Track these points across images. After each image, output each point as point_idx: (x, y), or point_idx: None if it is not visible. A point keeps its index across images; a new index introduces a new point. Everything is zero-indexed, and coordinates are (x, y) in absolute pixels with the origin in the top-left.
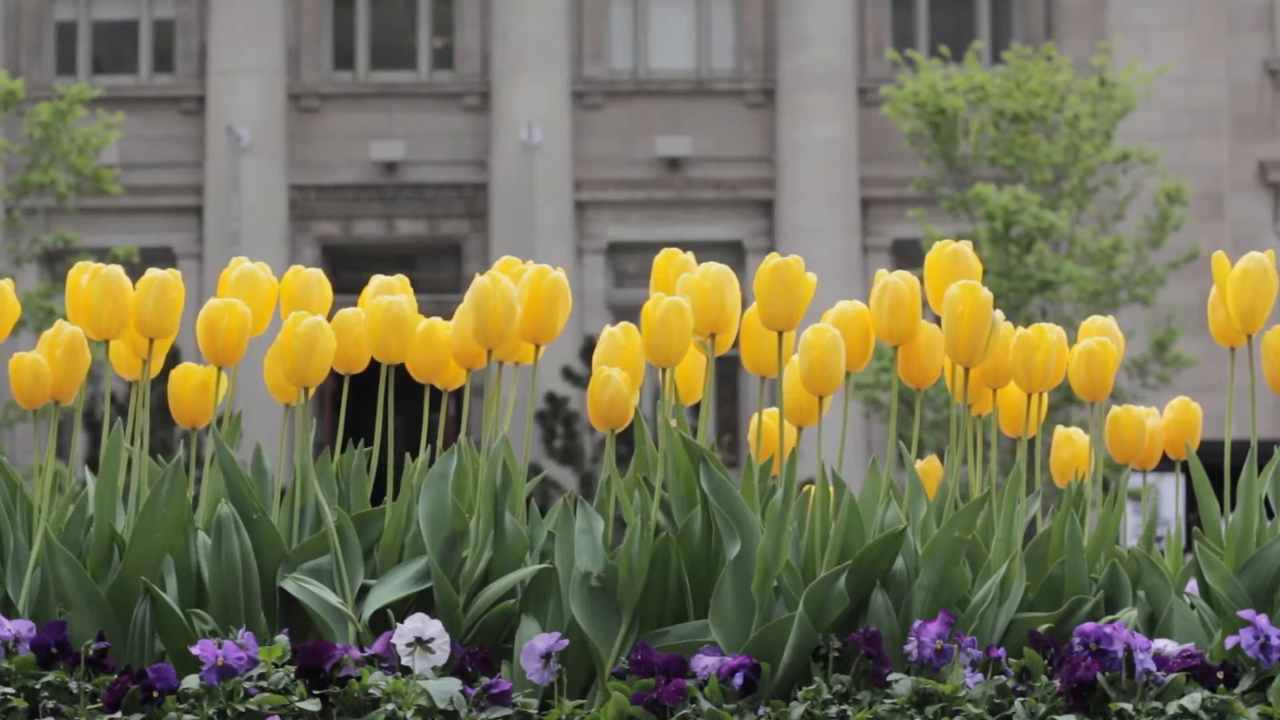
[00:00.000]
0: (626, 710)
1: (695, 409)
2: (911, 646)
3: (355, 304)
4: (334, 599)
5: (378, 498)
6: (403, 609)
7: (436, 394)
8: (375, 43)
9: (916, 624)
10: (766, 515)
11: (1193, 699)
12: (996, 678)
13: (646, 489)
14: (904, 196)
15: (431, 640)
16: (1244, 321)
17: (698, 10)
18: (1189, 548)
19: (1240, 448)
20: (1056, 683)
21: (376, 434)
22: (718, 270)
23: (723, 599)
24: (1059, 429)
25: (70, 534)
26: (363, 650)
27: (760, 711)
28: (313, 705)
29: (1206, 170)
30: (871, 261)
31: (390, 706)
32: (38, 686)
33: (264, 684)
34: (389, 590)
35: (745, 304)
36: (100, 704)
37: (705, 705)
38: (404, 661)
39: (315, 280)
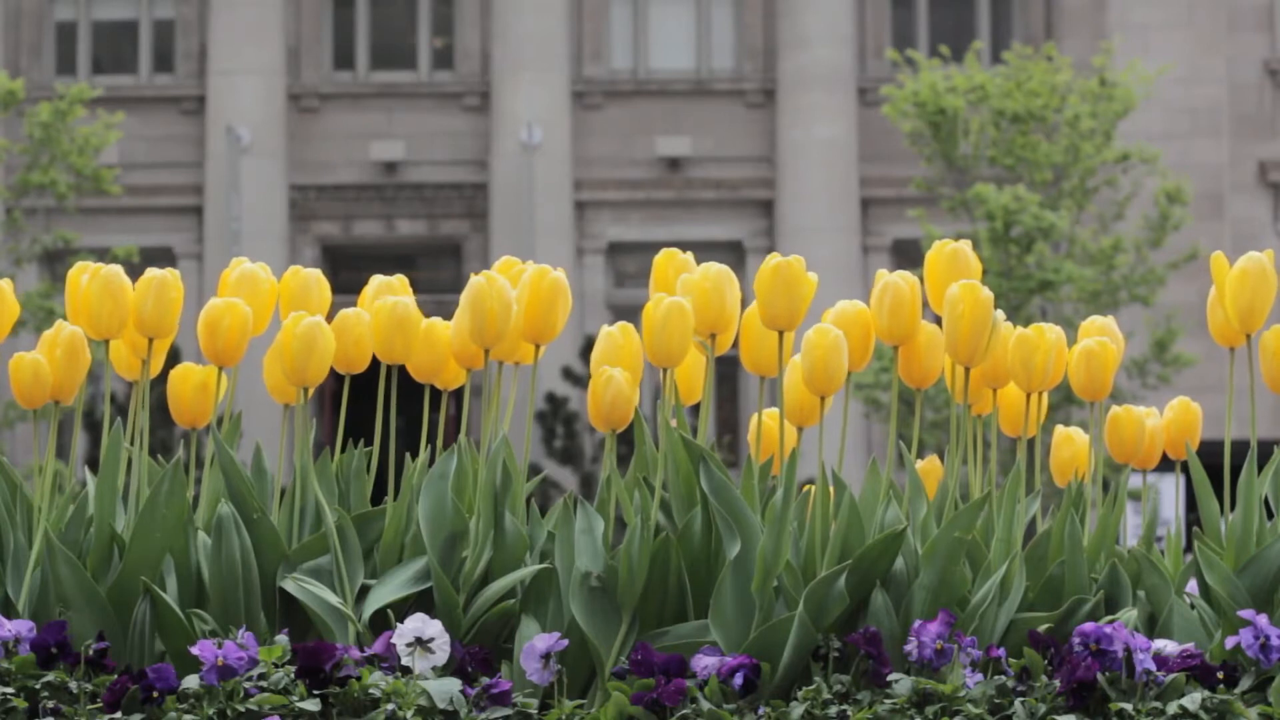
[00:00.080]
0: (626, 710)
1: (695, 409)
2: (911, 646)
3: (355, 304)
4: (334, 599)
5: (378, 498)
6: (403, 609)
7: (436, 394)
8: (375, 43)
9: (916, 624)
10: (766, 515)
11: (1193, 699)
12: (996, 678)
13: (646, 489)
14: (904, 196)
15: (431, 640)
16: (1243, 321)
17: (698, 10)
18: (1189, 548)
19: (1240, 448)
20: (1056, 683)
21: (376, 434)
22: (718, 270)
23: (723, 599)
24: (1059, 429)
25: (70, 534)
26: (363, 650)
27: (760, 711)
28: (313, 705)
29: (1206, 170)
30: (871, 261)
31: (390, 706)
32: (38, 686)
33: (264, 684)
34: (389, 590)
35: (745, 304)
36: (100, 704)
37: (705, 705)
38: (404, 661)
39: (314, 280)
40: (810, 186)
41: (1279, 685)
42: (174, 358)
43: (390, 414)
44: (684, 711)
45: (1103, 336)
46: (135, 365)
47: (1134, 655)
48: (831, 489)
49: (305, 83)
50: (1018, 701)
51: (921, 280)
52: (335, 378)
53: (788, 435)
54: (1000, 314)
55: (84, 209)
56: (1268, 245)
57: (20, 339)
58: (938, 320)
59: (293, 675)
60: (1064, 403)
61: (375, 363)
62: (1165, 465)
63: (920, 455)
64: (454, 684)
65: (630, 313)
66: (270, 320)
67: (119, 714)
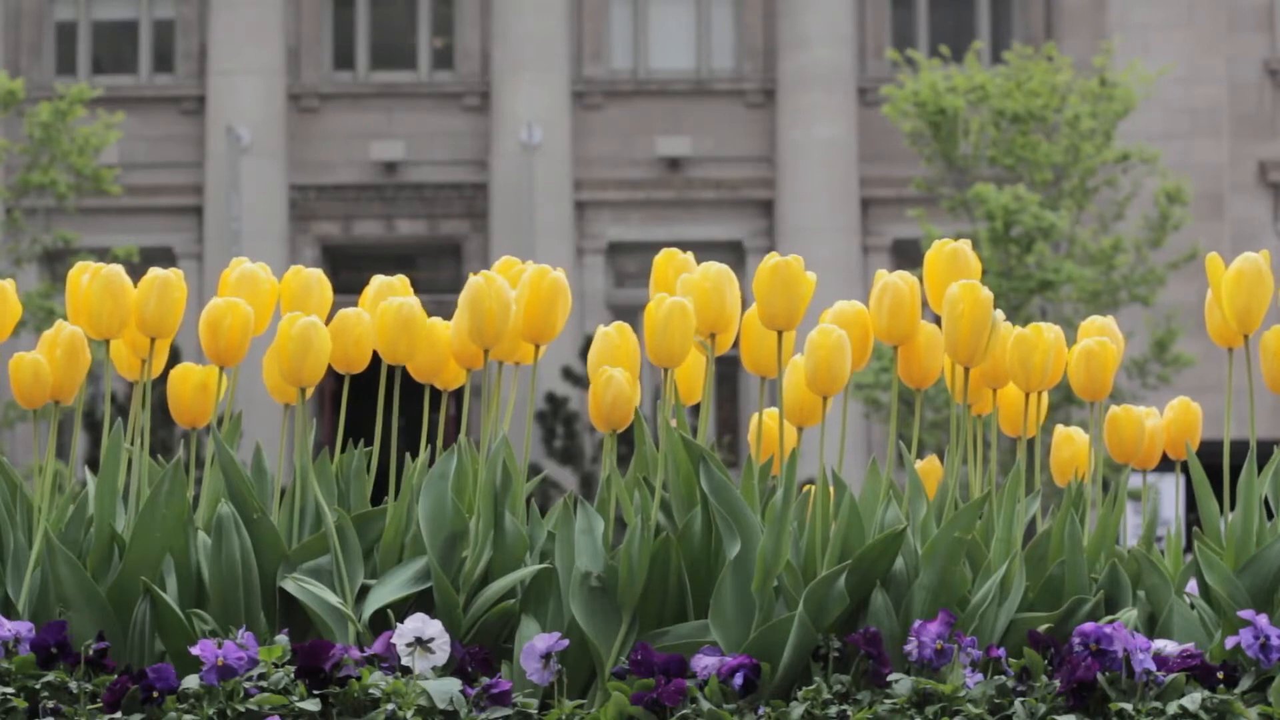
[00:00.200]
0: (626, 710)
1: (695, 409)
2: (911, 646)
3: (355, 304)
4: (334, 599)
5: (378, 498)
6: (403, 609)
7: (436, 394)
8: (375, 43)
9: (916, 624)
10: (766, 515)
11: (1193, 699)
12: (996, 678)
13: (646, 489)
14: (904, 196)
15: (431, 640)
16: (1240, 322)
17: (698, 10)
18: (1189, 548)
19: (1240, 448)
20: (1056, 683)
21: (377, 434)
22: (718, 270)
23: (723, 599)
24: (1059, 429)
25: (70, 534)
26: (363, 650)
27: (760, 711)
28: (313, 705)
29: (1206, 170)
30: (871, 261)
31: (390, 706)
32: (38, 686)
33: (264, 684)
34: (389, 590)
35: (745, 304)
36: (100, 704)
37: (705, 705)
38: (404, 661)
39: (315, 280)
40: (810, 186)
41: (1279, 685)
42: (174, 358)
43: (392, 414)
44: (684, 711)
45: (1103, 336)
46: (135, 365)
47: (1134, 655)
48: (831, 489)
49: (305, 83)
50: (1018, 701)
51: (921, 280)
52: (335, 378)
53: (788, 435)
54: (999, 314)
55: (84, 209)
56: (1268, 245)
57: (20, 339)
58: (937, 320)
59: (293, 675)
60: (1064, 403)
61: (375, 363)
62: (1165, 465)
63: (920, 455)
64: (454, 684)
65: (630, 313)
66: (271, 320)
67: (119, 714)
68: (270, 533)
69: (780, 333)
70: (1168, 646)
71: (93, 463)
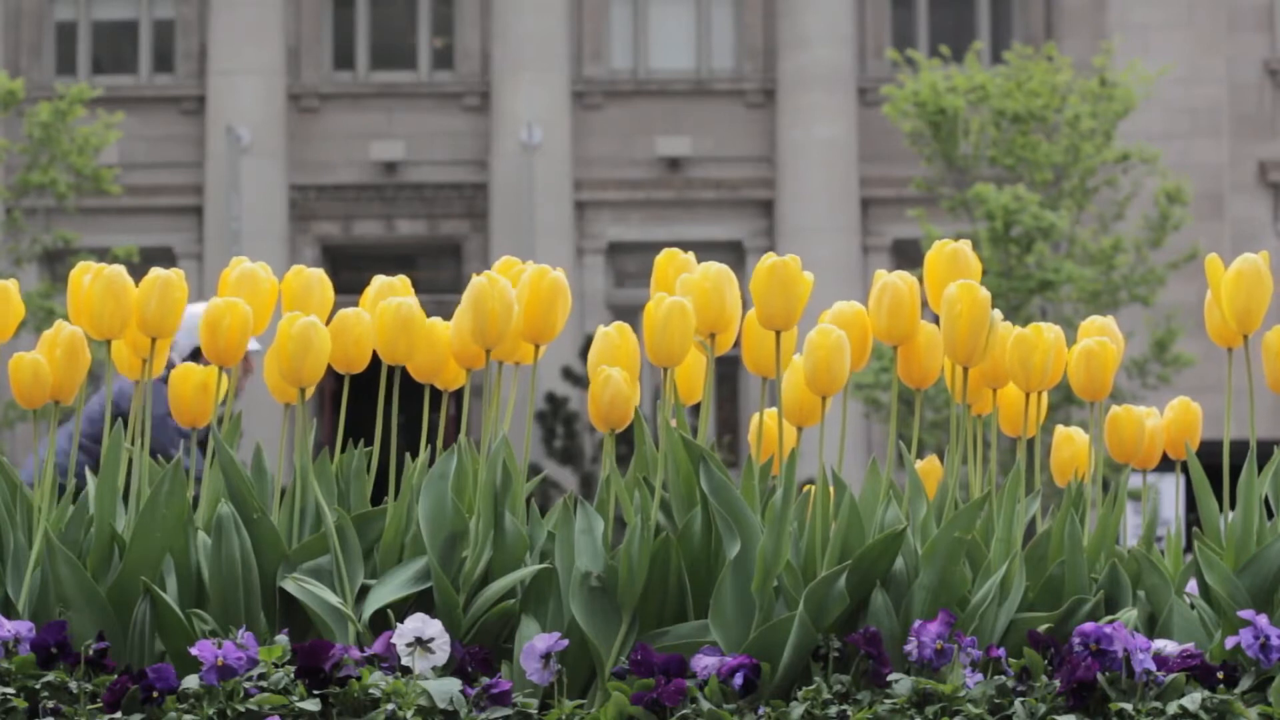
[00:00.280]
0: (626, 710)
1: (695, 409)
2: (911, 646)
3: (355, 304)
4: (334, 599)
5: (378, 498)
6: (403, 609)
7: (436, 394)
8: (375, 43)
9: (916, 624)
10: (766, 515)
11: (1193, 699)
12: (996, 678)
13: (646, 489)
14: (904, 196)
15: (431, 640)
16: (1240, 323)
17: (698, 10)
18: (1189, 548)
19: (1240, 448)
20: (1056, 683)
21: (377, 434)
22: (718, 270)
23: (723, 599)
24: (1059, 429)
25: (70, 534)
26: (363, 650)
27: (760, 711)
28: (313, 705)
29: (1206, 170)
30: (871, 261)
31: (390, 706)
32: (38, 686)
33: (264, 684)
34: (389, 590)
35: (746, 304)
36: (100, 704)
37: (705, 705)
38: (404, 661)
39: (317, 280)
40: (810, 186)
41: (1279, 685)
42: None
43: (391, 414)
44: (684, 711)
45: (1103, 336)
46: (136, 365)
47: (1134, 655)
48: (831, 489)
49: (305, 83)
50: (1018, 701)
51: (921, 280)
52: (335, 378)
53: (787, 435)
54: (998, 313)
55: (84, 209)
56: (1268, 245)
57: (20, 339)
58: (937, 320)
59: (292, 675)
60: (1064, 403)
61: (375, 362)
62: (1165, 465)
63: (920, 455)
64: (454, 684)
65: (630, 313)
66: (271, 320)
67: (119, 714)
68: (270, 533)
69: (779, 333)
70: (1168, 646)
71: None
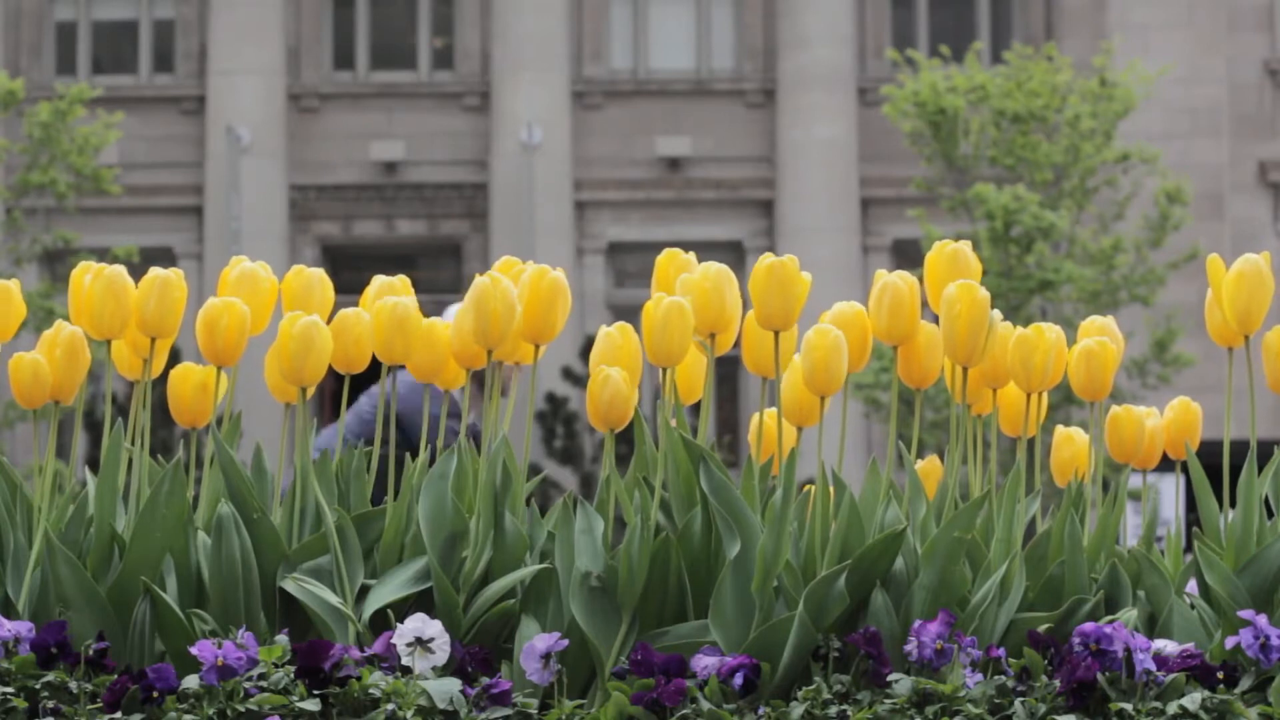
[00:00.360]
0: (626, 710)
1: (695, 409)
2: (911, 646)
3: (356, 304)
4: (334, 599)
5: (378, 498)
6: (403, 609)
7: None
8: (375, 43)
9: (916, 624)
10: (766, 515)
11: (1193, 699)
12: (996, 678)
13: (646, 489)
14: (904, 196)
15: (431, 640)
16: (1240, 323)
17: (698, 10)
18: (1189, 548)
19: (1240, 448)
20: (1056, 683)
21: (377, 434)
22: (718, 270)
23: (723, 599)
24: (1059, 429)
25: (70, 534)
26: (363, 650)
27: (760, 711)
28: (313, 705)
29: (1206, 170)
30: (871, 261)
31: (390, 706)
32: (38, 686)
33: (264, 684)
34: (389, 590)
35: (746, 304)
36: (100, 704)
37: (705, 705)
38: (404, 661)
39: (317, 280)
40: (810, 186)
41: (1279, 685)
42: (174, 357)
43: (391, 414)
44: (684, 711)
45: (1103, 336)
46: (136, 365)
47: (1134, 655)
48: (831, 489)
49: (305, 83)
50: (1018, 701)
51: (921, 280)
52: (336, 377)
53: (787, 435)
54: (998, 313)
55: (84, 209)
56: (1268, 245)
57: (20, 339)
58: (937, 320)
59: (292, 675)
60: (1064, 403)
61: (375, 363)
62: (1165, 465)
63: (920, 455)
64: (454, 684)
65: (630, 313)
66: (271, 319)
67: (119, 714)
68: (270, 533)
69: (777, 333)
70: (1168, 646)
71: (93, 463)
